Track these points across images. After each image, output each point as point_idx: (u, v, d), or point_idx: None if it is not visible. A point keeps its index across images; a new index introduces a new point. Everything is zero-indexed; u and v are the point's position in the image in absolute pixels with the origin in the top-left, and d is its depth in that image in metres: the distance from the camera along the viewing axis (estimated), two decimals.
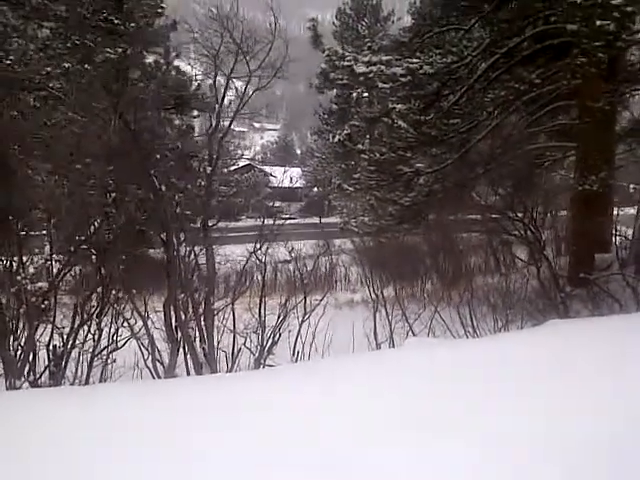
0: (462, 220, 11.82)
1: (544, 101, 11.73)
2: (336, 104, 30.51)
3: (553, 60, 10.98)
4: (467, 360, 3.55)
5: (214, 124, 5.59)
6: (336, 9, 31.09)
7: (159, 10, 16.28)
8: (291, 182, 52.97)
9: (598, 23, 7.44)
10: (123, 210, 4.90)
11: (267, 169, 55.41)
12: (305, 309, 5.88)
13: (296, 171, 54.15)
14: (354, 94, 28.24)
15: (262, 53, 5.82)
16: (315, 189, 44.49)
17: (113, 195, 4.63)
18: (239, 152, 51.42)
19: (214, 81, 5.78)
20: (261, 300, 5.60)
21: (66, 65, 11.33)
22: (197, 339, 5.32)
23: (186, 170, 14.25)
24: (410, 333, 6.96)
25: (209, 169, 5.49)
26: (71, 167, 4.60)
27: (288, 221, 35.77)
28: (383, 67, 10.38)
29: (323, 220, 36.24)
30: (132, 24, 15.97)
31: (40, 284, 4.14)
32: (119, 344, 4.92)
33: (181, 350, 5.42)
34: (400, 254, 11.89)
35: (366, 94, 18.91)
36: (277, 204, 50.44)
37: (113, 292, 4.75)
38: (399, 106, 12.38)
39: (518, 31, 10.75)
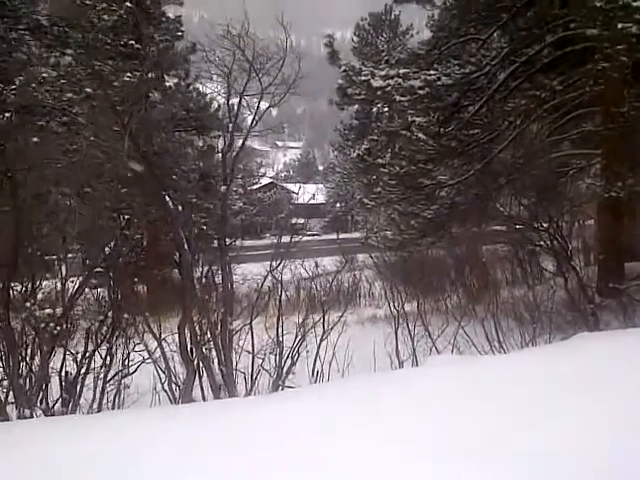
0: (486, 232, 11.60)
1: (567, 108, 11.52)
2: (357, 119, 30.53)
3: (575, 66, 10.80)
4: (490, 377, 3.40)
5: (227, 142, 5.56)
6: (354, 25, 31.27)
7: (178, 34, 16.51)
8: (314, 198, 53.27)
9: (619, 26, 7.27)
10: (136, 232, 4.86)
11: (290, 186, 55.93)
12: (324, 327, 5.76)
13: (319, 187, 54.51)
14: (374, 109, 28.24)
15: (275, 70, 5.77)
16: (338, 205, 44.54)
17: (127, 217, 4.60)
18: (261, 171, 51.95)
19: (227, 100, 5.75)
20: (279, 319, 5.49)
21: (87, 90, 11.48)
22: (215, 361, 5.23)
23: (205, 190, 14.35)
24: (434, 349, 6.78)
25: (223, 188, 5.44)
26: (84, 190, 4.59)
27: (311, 237, 35.85)
28: (400, 80, 10.30)
29: (347, 235, 36.18)
30: (152, 48, 16.22)
31: (48, 310, 4.11)
32: (133, 368, 4.85)
33: (202, 373, 5.34)
34: (423, 268, 11.69)
35: (386, 109, 18.84)
36: (300, 221, 50.98)
37: (126, 315, 4.70)
38: (419, 119, 12.28)
39: (537, 39, 10.60)
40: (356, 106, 27.72)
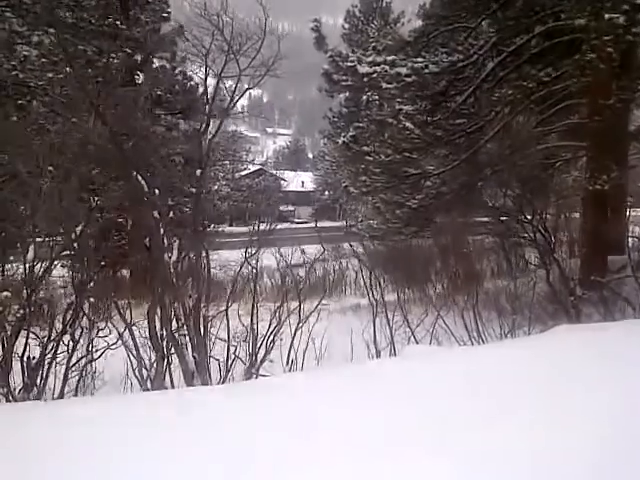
0: (470, 223, 11.55)
1: (554, 100, 11.46)
2: (346, 107, 30.33)
3: (563, 57, 10.74)
4: (461, 370, 3.33)
5: (204, 125, 5.44)
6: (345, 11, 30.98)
7: (164, 15, 16.22)
8: (303, 186, 53.17)
9: (607, 16, 7.19)
10: (115, 215, 4.73)
11: (279, 173, 55.78)
12: (299, 315, 5.66)
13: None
14: (364, 97, 28.07)
15: (255, 52, 5.65)
16: (327, 193, 44.41)
17: (97, 199, 4.47)
18: (250, 157, 51.72)
19: (205, 81, 5.62)
20: (253, 306, 5.40)
21: (67, 70, 11.23)
22: (188, 348, 5.12)
23: (190, 175, 14.16)
24: (412, 339, 6.73)
25: (199, 172, 5.32)
26: (50, 169, 4.44)
27: (298, 225, 35.64)
28: (387, 67, 10.19)
29: (333, 224, 36.08)
30: (138, 29, 15.97)
31: (5, 293, 3.97)
32: (102, 353, 4.72)
33: (174, 359, 5.23)
34: (406, 257, 11.63)
35: (376, 97, 18.71)
36: (289, 208, 50.68)
37: (92, 300, 4.57)
38: (406, 107, 12.19)
39: (526, 29, 10.52)
40: (346, 94, 27.57)
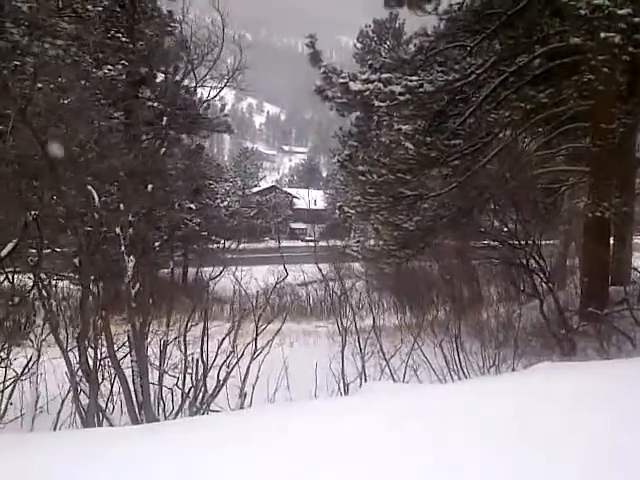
0: (467, 247, 11.12)
1: (556, 122, 11.07)
2: (356, 126, 30.07)
3: (565, 79, 10.37)
4: (411, 412, 2.92)
5: (158, 138, 5.15)
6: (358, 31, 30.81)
7: (168, 29, 16.10)
8: (315, 204, 53.06)
9: (602, 35, 6.81)
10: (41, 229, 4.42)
11: (293, 191, 55.81)
12: (255, 345, 5.25)
13: (321, 193, 54.52)
14: (375, 117, 27.82)
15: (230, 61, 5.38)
16: (337, 211, 44.18)
17: (34, 213, 4.18)
18: (264, 173, 51.91)
19: (164, 92, 5.35)
20: (204, 333, 5.02)
21: (62, 80, 11.08)
22: (137, 377, 4.76)
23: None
24: (387, 370, 6.30)
25: (150, 187, 5.02)
26: None
27: (308, 243, 35.08)
28: (381, 85, 9.89)
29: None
30: (141, 42, 15.92)
31: None
32: (12, 384, 4.35)
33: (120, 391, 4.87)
34: (394, 281, 11.21)
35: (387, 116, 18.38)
36: (302, 226, 50.52)
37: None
38: (405, 127, 11.88)
39: (527, 49, 10.16)
40: (357, 113, 27.32)
